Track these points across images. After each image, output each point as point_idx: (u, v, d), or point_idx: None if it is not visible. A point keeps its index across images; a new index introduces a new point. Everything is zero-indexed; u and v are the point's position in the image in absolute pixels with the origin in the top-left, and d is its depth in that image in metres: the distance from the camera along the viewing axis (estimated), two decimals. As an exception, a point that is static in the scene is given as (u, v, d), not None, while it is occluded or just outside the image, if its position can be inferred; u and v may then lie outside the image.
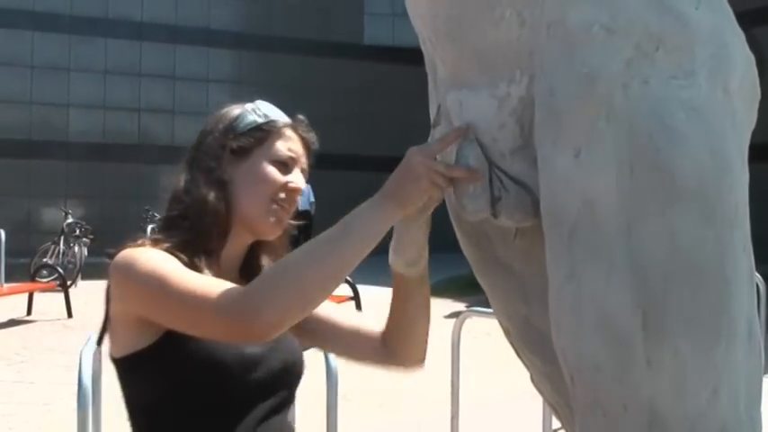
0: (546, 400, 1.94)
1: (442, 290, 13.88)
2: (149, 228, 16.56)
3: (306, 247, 1.62)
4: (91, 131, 21.12)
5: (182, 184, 1.86)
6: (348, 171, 21.71)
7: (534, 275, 1.77)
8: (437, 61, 1.76)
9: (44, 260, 14.76)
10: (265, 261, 1.96)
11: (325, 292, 1.61)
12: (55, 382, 7.79)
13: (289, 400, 1.91)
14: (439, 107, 1.71)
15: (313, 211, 17.85)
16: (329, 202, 17.95)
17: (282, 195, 1.87)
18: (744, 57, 1.55)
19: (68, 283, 12.81)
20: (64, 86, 21.25)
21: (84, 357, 3.82)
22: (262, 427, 1.80)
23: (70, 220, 16.20)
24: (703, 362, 1.46)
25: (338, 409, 4.30)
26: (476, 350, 8.82)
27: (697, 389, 1.47)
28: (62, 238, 15.60)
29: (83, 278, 15.32)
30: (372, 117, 23.43)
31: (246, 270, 1.93)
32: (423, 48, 1.84)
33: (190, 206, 1.83)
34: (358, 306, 10.78)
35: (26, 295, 12.02)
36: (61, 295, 12.07)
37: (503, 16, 1.55)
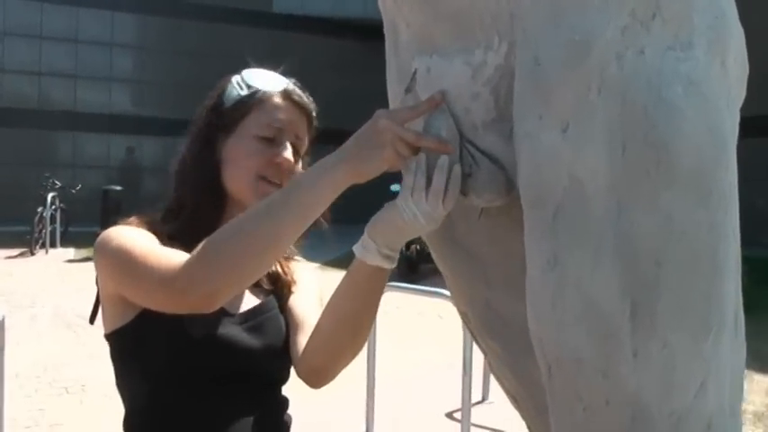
0: (504, 388, 1.83)
1: (349, 262, 13.79)
2: (49, 195, 16.16)
3: (246, 213, 1.53)
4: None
5: (176, 167, 1.85)
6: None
7: (498, 257, 1.65)
8: (399, 23, 1.62)
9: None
10: None
11: (263, 263, 1.52)
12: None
13: (274, 382, 1.87)
14: (414, 72, 1.56)
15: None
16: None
17: (270, 170, 1.79)
18: (738, 28, 1.45)
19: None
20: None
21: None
22: (238, 409, 1.75)
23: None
24: (692, 354, 1.36)
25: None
26: (390, 324, 8.74)
27: (685, 382, 1.37)
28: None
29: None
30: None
31: None
32: (381, 7, 1.69)
33: (182, 195, 1.82)
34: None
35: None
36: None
37: (481, -25, 1.41)
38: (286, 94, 1.84)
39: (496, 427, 6.07)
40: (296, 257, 2.03)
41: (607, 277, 1.33)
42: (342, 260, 15.30)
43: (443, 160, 1.47)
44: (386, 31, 1.70)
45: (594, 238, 1.33)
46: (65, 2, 21.57)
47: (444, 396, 6.57)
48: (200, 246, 1.50)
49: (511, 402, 1.84)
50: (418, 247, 13.60)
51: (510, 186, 1.49)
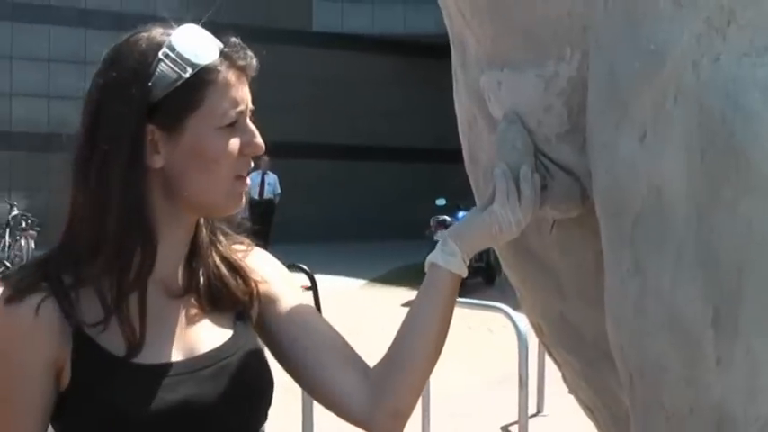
0: (579, 400, 1.83)
1: (396, 278, 13.83)
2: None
3: None
4: (35, 121, 20.69)
5: (87, 180, 1.37)
6: (303, 159, 21.51)
7: (571, 269, 1.66)
8: (468, 38, 1.64)
9: (-12, 254, 14.44)
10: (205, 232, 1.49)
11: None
12: None
13: None
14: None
15: (276, 202, 17.61)
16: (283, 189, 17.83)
17: (242, 163, 1.43)
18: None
19: (16, 276, 12.52)
20: (6, 75, 20.77)
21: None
22: None
23: (16, 212, 15.84)
24: (776, 360, 1.36)
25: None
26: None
27: (770, 388, 1.37)
28: (8, 230, 15.27)
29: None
30: (321, 105, 23.26)
31: (191, 252, 1.48)
32: (447, 23, 1.71)
33: (104, 224, 1.36)
34: (316, 297, 10.66)
35: (-28, 290, 11.73)
36: (8, 290, 11.81)
37: (552, -12, 1.43)
38: (230, 60, 1.40)
39: (553, 439, 6.04)
40: (245, 250, 1.57)
41: (689, 284, 1.33)
42: (387, 277, 15.36)
43: (525, 170, 1.48)
44: (453, 46, 1.72)
45: (675, 246, 1.34)
46: (109, 27, 21.91)
47: (499, 410, 6.55)
48: None
49: (586, 413, 1.84)
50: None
51: (584, 197, 1.50)
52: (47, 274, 1.35)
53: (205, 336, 1.44)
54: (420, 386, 1.50)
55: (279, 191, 17.81)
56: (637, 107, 1.34)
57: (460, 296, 2.78)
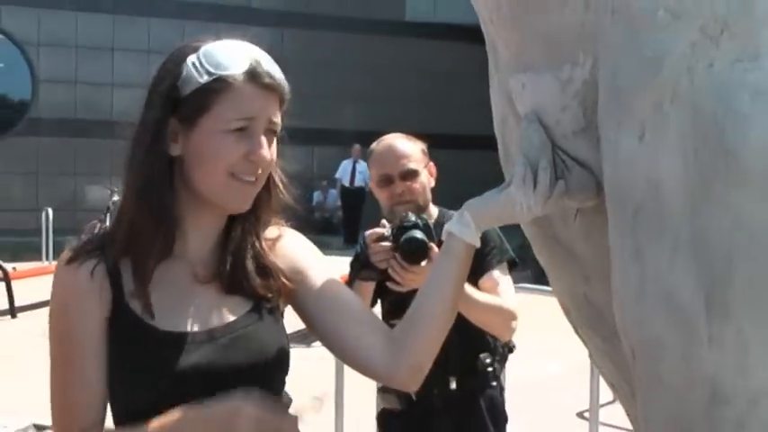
0: (605, 377, 1.97)
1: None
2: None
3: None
4: (134, 110, 21.32)
5: (125, 160, 1.62)
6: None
7: (594, 254, 1.80)
8: (498, 43, 1.79)
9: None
10: (240, 230, 1.68)
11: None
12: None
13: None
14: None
15: (367, 189, 17.89)
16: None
17: (243, 167, 1.58)
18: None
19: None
20: (108, 66, 21.46)
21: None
22: None
23: (116, 198, 16.31)
24: (765, 339, 1.49)
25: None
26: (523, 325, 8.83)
27: (759, 365, 1.49)
28: (108, 215, 15.71)
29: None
30: (412, 94, 23.39)
31: (226, 240, 1.68)
32: (483, 29, 1.86)
33: (126, 197, 1.62)
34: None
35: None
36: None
37: (567, 0, 1.57)
38: (253, 76, 1.58)
39: (625, 426, 6.11)
40: (278, 235, 1.75)
41: (684, 270, 1.47)
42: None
43: (543, 163, 1.64)
44: (488, 50, 1.88)
45: (671, 235, 1.47)
46: (205, 18, 22.40)
47: (576, 397, 6.64)
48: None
49: (610, 389, 1.98)
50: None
51: (599, 188, 1.64)
52: (102, 245, 1.60)
53: (224, 311, 1.62)
54: (436, 342, 1.69)
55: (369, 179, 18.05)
56: (637, 108, 1.48)
57: (543, 284, 2.89)
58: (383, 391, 2.82)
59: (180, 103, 1.56)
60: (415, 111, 22.18)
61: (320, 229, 18.08)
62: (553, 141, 1.65)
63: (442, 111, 22.31)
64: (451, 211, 2.60)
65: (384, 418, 2.85)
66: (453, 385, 2.74)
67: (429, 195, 2.77)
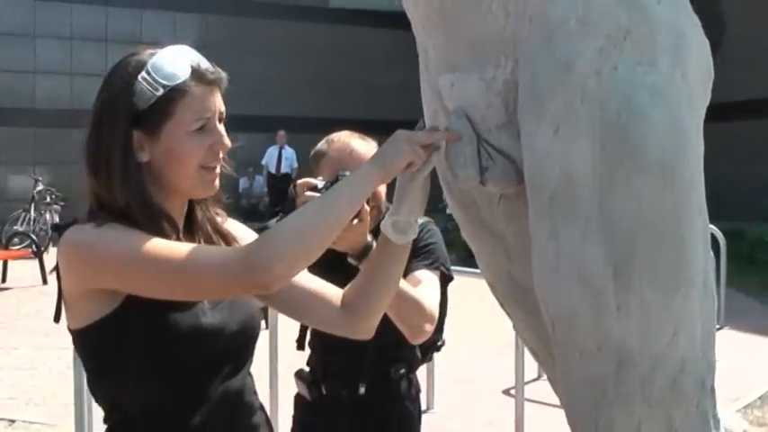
0: (528, 346, 2.18)
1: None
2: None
3: (304, 209, 1.79)
4: (58, 98, 21.01)
5: (97, 172, 1.77)
6: (316, 134, 21.79)
7: (516, 236, 1.99)
8: (428, 46, 1.97)
9: (15, 228, 14.70)
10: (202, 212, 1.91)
11: (324, 245, 1.74)
12: (36, 347, 7.95)
13: (247, 358, 1.91)
14: (421, 123, 1.94)
15: (294, 175, 17.95)
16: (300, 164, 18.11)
17: (209, 158, 1.79)
18: (699, 44, 1.78)
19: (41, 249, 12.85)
20: (30, 53, 21.12)
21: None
22: (223, 388, 1.82)
23: (40, 187, 16.09)
24: (665, 308, 1.71)
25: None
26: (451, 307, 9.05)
27: (660, 331, 1.71)
28: (33, 205, 15.52)
29: (53, 245, 15.29)
30: (338, 80, 23.51)
31: (189, 223, 1.89)
32: (414, 32, 2.04)
33: (116, 200, 1.76)
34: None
35: (0, 263, 12.12)
36: (35, 262, 12.14)
37: (490, 9, 1.76)
38: (199, 77, 1.76)
39: (550, 402, 6.37)
40: (225, 221, 1.98)
41: (594, 248, 1.68)
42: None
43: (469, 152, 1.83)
44: (419, 51, 2.06)
45: (582, 217, 1.68)
46: (129, 5, 22.18)
47: (502, 375, 6.88)
48: (265, 236, 1.70)
49: (533, 357, 2.19)
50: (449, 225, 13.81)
51: (520, 177, 1.84)
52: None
53: None
54: (383, 309, 1.98)
55: (296, 165, 18.13)
56: (552, 106, 1.68)
57: (472, 267, 2.86)
58: (298, 377, 2.85)
59: (140, 117, 1.73)
60: (339, 97, 22.31)
61: (247, 216, 18.11)
62: (479, 134, 1.84)
63: (366, 96, 22.49)
64: None
65: (298, 401, 2.88)
66: (362, 390, 2.73)
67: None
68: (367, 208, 2.11)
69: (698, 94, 1.77)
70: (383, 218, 1.92)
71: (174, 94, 1.73)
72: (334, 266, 2.15)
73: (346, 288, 1.96)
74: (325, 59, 22.91)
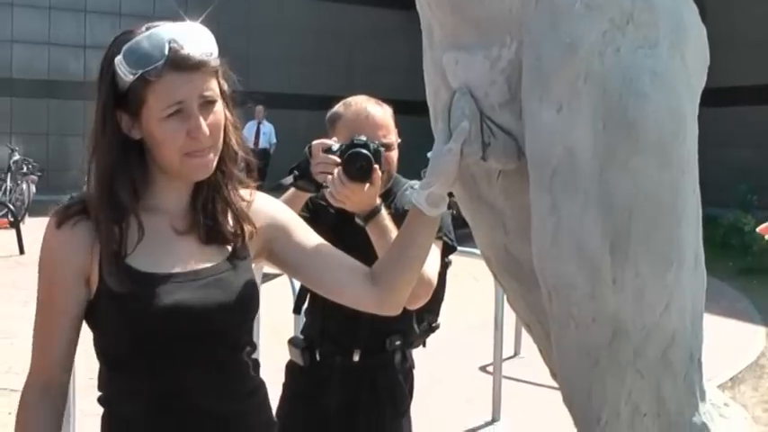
0: (520, 318, 2.25)
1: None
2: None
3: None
4: (35, 68, 20.88)
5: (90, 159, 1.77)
6: (299, 110, 21.76)
7: (513, 210, 2.06)
8: (434, 25, 2.03)
9: (-9, 198, 14.62)
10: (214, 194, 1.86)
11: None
12: (15, 317, 7.95)
13: (234, 343, 1.84)
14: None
15: (272, 151, 17.93)
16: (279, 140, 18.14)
17: (191, 145, 1.73)
18: (697, 30, 1.86)
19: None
20: (7, 23, 20.95)
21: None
22: (194, 373, 1.77)
23: (17, 157, 15.96)
24: (658, 282, 1.78)
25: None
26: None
27: (652, 304, 1.79)
28: (9, 175, 15.41)
29: (30, 215, 15.22)
30: (318, 57, 23.48)
31: (195, 201, 1.85)
32: (419, 10, 2.10)
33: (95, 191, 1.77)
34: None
35: (-24, 233, 12.08)
36: (11, 232, 12.05)
37: (497, -10, 1.82)
38: (174, 64, 1.70)
39: (526, 379, 6.48)
40: (253, 198, 1.94)
41: (592, 222, 1.75)
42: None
43: (473, 130, 1.89)
44: (423, 29, 2.12)
45: (582, 193, 1.75)
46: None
47: (478, 352, 6.98)
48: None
49: (525, 329, 2.26)
50: (454, 212, 13.91)
51: (520, 153, 1.91)
52: (86, 204, 1.77)
53: (203, 258, 1.82)
54: (412, 282, 1.95)
55: (274, 140, 18.13)
56: (556, 85, 1.75)
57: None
58: (291, 344, 2.88)
59: (124, 97, 1.72)
60: (321, 74, 22.27)
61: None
62: (482, 111, 1.91)
63: (348, 73, 22.47)
64: (404, 179, 2.72)
65: (290, 368, 2.91)
66: (356, 357, 2.78)
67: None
68: (379, 173, 2.15)
69: (695, 78, 1.85)
70: (392, 185, 1.95)
71: (146, 79, 1.70)
72: (337, 227, 2.21)
73: (375, 264, 1.96)
74: (306, 36, 22.85)
